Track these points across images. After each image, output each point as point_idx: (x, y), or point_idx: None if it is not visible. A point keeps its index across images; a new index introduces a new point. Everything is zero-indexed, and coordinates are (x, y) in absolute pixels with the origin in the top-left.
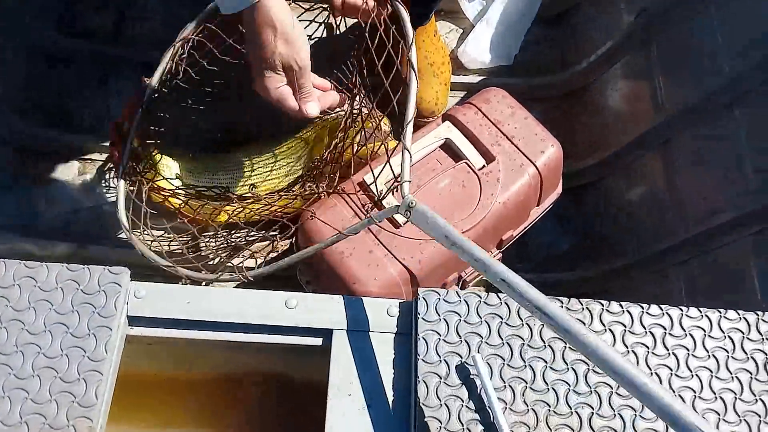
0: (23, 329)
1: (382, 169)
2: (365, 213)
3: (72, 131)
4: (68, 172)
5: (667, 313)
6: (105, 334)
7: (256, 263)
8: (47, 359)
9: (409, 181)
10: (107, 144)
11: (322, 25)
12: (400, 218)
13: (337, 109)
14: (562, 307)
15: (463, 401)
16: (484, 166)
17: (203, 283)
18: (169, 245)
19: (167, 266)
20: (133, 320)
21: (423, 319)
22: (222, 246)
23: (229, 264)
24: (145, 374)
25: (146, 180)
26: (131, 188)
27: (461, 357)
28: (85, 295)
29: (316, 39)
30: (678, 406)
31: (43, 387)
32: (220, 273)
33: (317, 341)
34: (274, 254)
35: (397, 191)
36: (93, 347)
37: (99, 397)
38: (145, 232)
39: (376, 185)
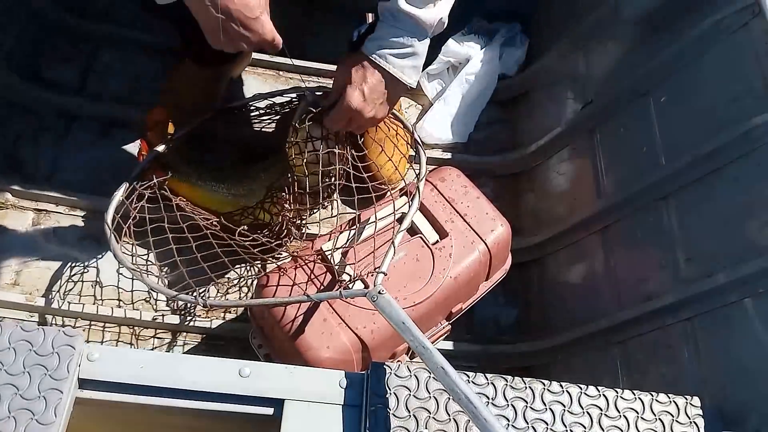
0: None
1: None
2: (332, 283)
3: (27, 181)
4: (22, 222)
5: (603, 395)
6: (55, 397)
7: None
8: None
9: (385, 274)
10: (63, 196)
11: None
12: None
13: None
14: (506, 385)
15: None
16: (437, 242)
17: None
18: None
19: (132, 269)
20: (85, 383)
21: (374, 392)
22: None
23: (192, 288)
24: None
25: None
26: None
27: None
28: (38, 356)
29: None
30: None
31: None
32: (179, 292)
33: (269, 411)
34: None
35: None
36: (42, 410)
37: None
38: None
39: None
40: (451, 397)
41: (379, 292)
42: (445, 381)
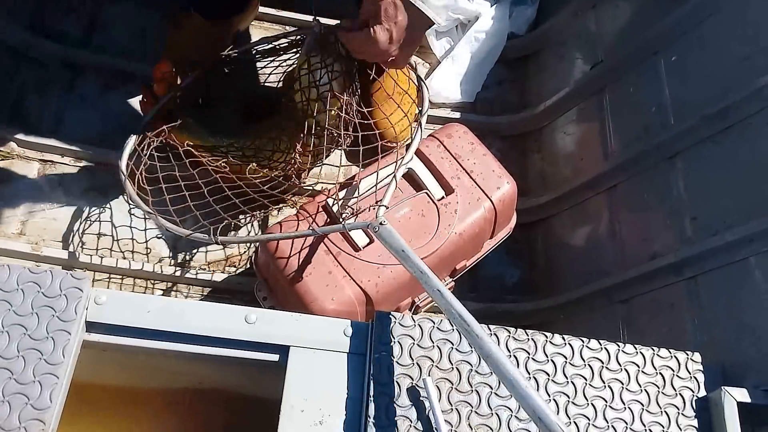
0: None
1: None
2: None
3: (32, 132)
4: (27, 172)
5: (605, 348)
6: (63, 338)
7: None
8: (3, 360)
9: (387, 207)
10: (68, 147)
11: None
12: (360, 242)
13: None
14: (509, 336)
15: (411, 422)
16: (443, 198)
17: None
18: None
19: (147, 212)
20: (91, 326)
21: (378, 340)
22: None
23: (205, 226)
24: (100, 382)
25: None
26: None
27: (412, 379)
28: (46, 298)
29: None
30: None
31: None
32: (193, 230)
33: (274, 357)
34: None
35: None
36: (50, 350)
37: (53, 401)
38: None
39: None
40: (454, 347)
41: (381, 223)
42: (441, 302)
